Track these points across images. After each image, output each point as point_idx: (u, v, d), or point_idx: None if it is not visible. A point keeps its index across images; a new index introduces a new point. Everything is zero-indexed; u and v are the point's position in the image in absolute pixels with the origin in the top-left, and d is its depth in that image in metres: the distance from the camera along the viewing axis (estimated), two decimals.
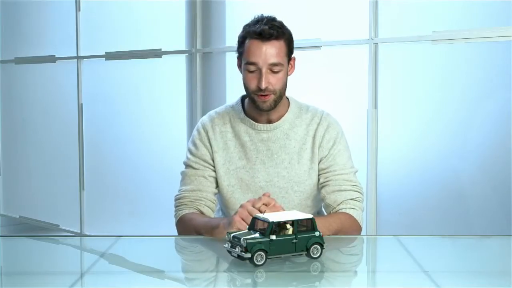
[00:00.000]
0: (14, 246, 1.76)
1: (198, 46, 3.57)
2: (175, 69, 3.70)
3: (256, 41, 1.85)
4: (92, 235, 3.81)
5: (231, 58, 3.46)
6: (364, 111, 2.99)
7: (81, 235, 4.09)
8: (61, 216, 4.32)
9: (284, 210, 1.69)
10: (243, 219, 1.64)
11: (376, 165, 2.98)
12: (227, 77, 3.53)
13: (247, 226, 1.49)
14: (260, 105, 1.89)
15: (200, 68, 3.58)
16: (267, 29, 1.83)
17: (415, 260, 1.51)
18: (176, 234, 1.94)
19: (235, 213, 1.67)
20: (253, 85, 1.86)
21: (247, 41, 1.87)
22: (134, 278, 1.42)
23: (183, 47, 3.65)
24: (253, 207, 1.66)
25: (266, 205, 1.67)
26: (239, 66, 1.94)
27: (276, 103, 1.90)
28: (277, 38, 1.85)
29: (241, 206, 1.68)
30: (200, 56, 3.57)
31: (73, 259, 1.65)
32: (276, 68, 1.85)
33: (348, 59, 3.07)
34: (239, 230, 1.53)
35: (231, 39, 3.46)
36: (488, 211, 2.75)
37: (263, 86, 1.84)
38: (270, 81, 1.85)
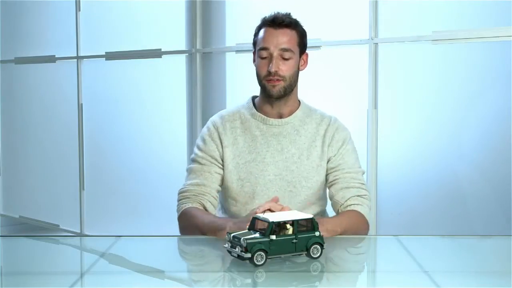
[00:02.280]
0: (14, 246, 1.76)
1: (198, 46, 3.57)
2: (175, 69, 3.70)
3: (269, 28, 1.93)
4: (92, 235, 3.81)
5: (231, 58, 3.46)
6: (364, 111, 2.99)
7: (81, 235, 4.09)
8: (61, 216, 4.32)
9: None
10: None
11: (376, 165, 2.98)
12: (227, 77, 3.53)
13: (247, 226, 1.49)
14: (270, 90, 1.93)
15: (200, 68, 3.58)
16: (280, 16, 1.94)
17: (415, 260, 1.51)
18: (178, 229, 1.95)
19: (248, 220, 1.66)
20: (263, 71, 1.92)
21: (261, 30, 1.96)
22: (134, 278, 1.42)
23: (183, 47, 3.65)
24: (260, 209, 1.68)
25: (272, 210, 1.68)
26: (254, 60, 1.99)
27: (286, 91, 1.94)
28: (289, 26, 1.93)
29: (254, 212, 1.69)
30: (200, 56, 3.57)
31: (73, 259, 1.65)
32: (287, 55, 1.91)
33: (348, 59, 3.07)
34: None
35: (231, 39, 3.46)
36: (487, 211, 2.75)
37: (273, 69, 1.89)
38: (280, 67, 1.91)
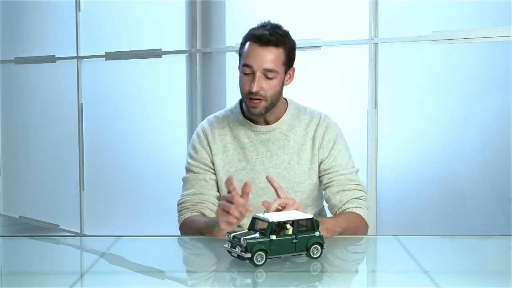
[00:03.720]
0: (14, 246, 1.76)
1: (198, 46, 3.57)
2: (175, 69, 3.70)
3: (254, 44, 1.86)
4: (92, 235, 3.81)
5: (231, 58, 3.46)
6: (364, 111, 2.99)
7: (81, 235, 4.09)
8: (61, 216, 4.32)
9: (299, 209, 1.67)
10: (224, 210, 1.64)
11: (376, 165, 2.98)
12: (227, 77, 3.53)
13: (247, 226, 1.49)
14: (251, 110, 1.90)
15: (200, 68, 3.58)
16: (267, 35, 1.85)
17: (415, 260, 1.51)
18: (176, 233, 1.94)
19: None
20: (246, 88, 1.88)
21: (247, 44, 1.89)
22: (134, 278, 1.42)
23: (183, 47, 3.65)
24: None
25: (281, 208, 1.65)
26: (239, 67, 1.95)
27: (267, 110, 1.90)
28: (276, 45, 1.85)
29: (222, 197, 1.70)
30: (200, 56, 3.57)
31: (73, 259, 1.65)
32: (270, 75, 1.85)
33: (348, 59, 3.07)
34: (240, 229, 1.53)
35: (231, 39, 3.46)
36: (487, 211, 2.75)
37: (254, 89, 1.84)
38: (263, 86, 1.85)
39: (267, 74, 1.85)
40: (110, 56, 3.95)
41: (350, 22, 3.05)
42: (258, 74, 1.84)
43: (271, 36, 1.84)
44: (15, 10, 4.53)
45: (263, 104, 1.88)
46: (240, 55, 1.92)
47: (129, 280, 1.41)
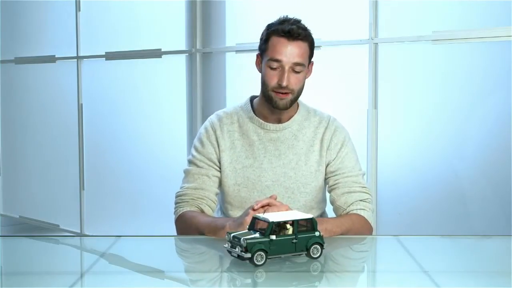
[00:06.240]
0: (14, 246, 1.76)
1: (198, 46, 3.57)
2: (175, 69, 3.70)
3: (282, 39, 1.87)
4: (92, 235, 3.81)
5: (231, 58, 3.46)
6: (364, 111, 2.99)
7: (81, 235, 4.09)
8: (61, 216, 4.32)
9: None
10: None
11: (376, 165, 2.98)
12: (227, 77, 3.53)
13: (247, 226, 1.49)
14: (277, 102, 1.90)
15: (200, 68, 3.58)
16: (296, 29, 1.87)
17: (415, 260, 1.51)
18: (176, 233, 1.94)
19: (246, 215, 1.67)
20: (273, 82, 1.88)
21: (272, 39, 1.89)
22: (134, 278, 1.42)
23: (183, 47, 3.65)
24: (258, 204, 1.67)
25: (269, 205, 1.67)
26: (258, 64, 1.96)
27: (292, 103, 1.92)
28: (303, 39, 1.88)
29: (252, 207, 1.68)
30: (200, 56, 3.57)
31: (73, 259, 1.65)
32: (298, 68, 1.87)
33: (348, 59, 3.07)
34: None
35: (231, 39, 3.46)
36: (488, 211, 2.75)
37: (285, 83, 1.86)
38: (291, 80, 1.87)
39: (295, 68, 1.87)
40: (110, 56, 3.95)
41: (350, 22, 3.05)
42: (287, 68, 1.86)
43: (299, 30, 1.87)
44: (15, 10, 4.53)
45: (290, 97, 1.89)
46: (263, 50, 1.91)
47: (129, 280, 1.41)
